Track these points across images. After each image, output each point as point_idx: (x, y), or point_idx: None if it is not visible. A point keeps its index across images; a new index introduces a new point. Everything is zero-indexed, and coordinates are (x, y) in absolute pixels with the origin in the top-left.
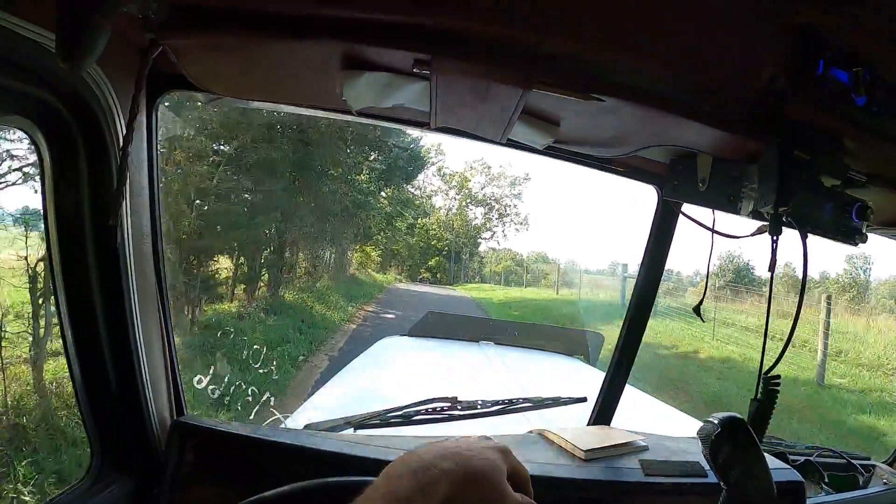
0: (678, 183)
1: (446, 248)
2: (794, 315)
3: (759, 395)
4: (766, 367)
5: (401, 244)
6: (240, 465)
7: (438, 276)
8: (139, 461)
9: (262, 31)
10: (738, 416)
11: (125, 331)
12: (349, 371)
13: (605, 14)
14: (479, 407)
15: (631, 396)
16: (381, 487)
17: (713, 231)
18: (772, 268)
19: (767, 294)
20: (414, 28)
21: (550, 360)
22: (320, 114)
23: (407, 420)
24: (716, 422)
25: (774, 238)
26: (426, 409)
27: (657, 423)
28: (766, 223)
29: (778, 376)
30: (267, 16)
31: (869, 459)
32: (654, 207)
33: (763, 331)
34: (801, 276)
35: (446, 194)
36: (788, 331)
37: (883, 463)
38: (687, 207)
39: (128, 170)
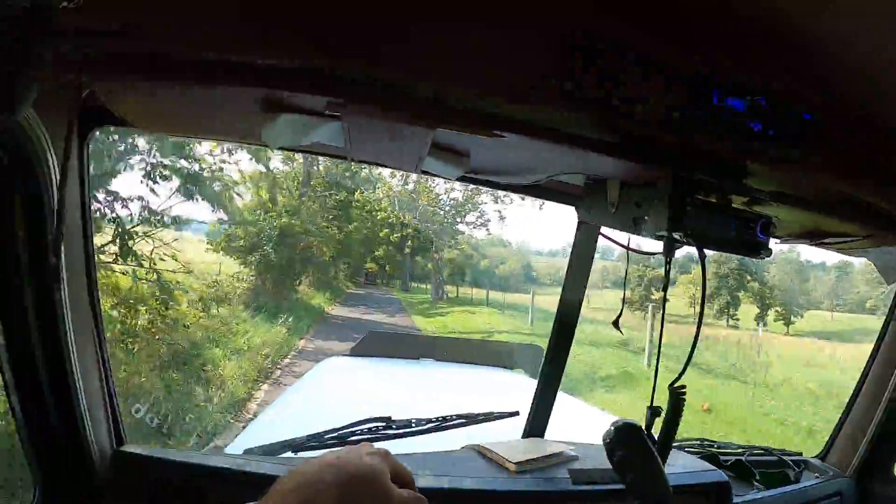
0: (591, 205)
1: (409, 244)
2: (696, 327)
3: (652, 403)
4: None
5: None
6: (180, 491)
7: (388, 268)
8: (81, 492)
9: (184, 76)
10: (635, 422)
11: (63, 364)
12: (291, 394)
13: (507, 60)
14: (413, 425)
15: (568, 405)
16: None
17: (628, 249)
18: (665, 288)
19: (661, 309)
20: (326, 74)
21: (491, 374)
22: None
23: (342, 441)
24: (612, 427)
25: (668, 259)
26: (361, 430)
27: (593, 431)
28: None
29: (683, 386)
30: (188, 62)
31: (801, 455)
32: (575, 227)
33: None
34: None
35: None
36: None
37: (814, 458)
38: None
39: (65, 210)
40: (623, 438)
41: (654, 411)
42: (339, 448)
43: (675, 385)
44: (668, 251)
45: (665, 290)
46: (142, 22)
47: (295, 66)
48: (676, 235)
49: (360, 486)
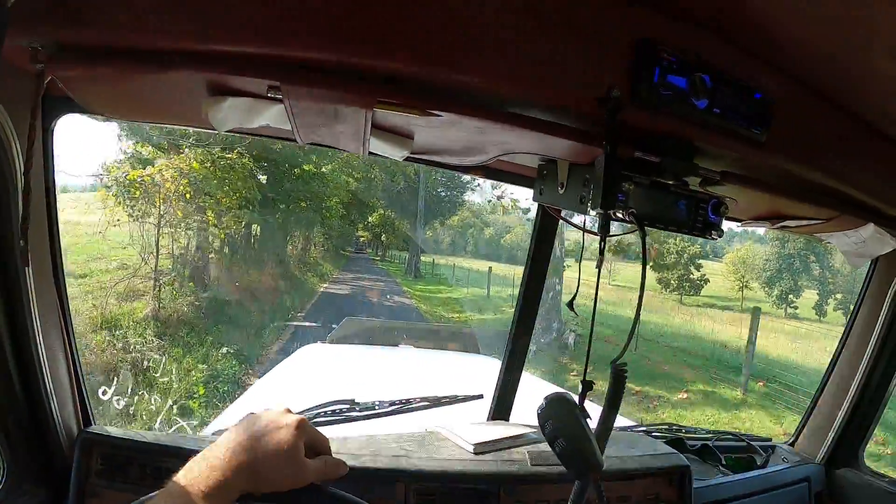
0: (544, 187)
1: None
2: (636, 308)
3: (585, 377)
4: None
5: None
6: (146, 472)
7: (383, 237)
8: (49, 472)
9: (133, 64)
10: (566, 393)
11: (28, 346)
12: (268, 380)
13: (445, 33)
14: (376, 408)
15: (538, 388)
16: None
17: (584, 230)
18: (599, 265)
19: (596, 288)
20: (264, 57)
21: (469, 359)
22: (198, 129)
23: None
24: (543, 401)
25: (603, 238)
26: (324, 412)
27: None
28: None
29: (625, 364)
30: (136, 50)
31: (770, 441)
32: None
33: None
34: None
35: None
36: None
37: (784, 444)
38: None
39: (31, 194)
40: (554, 409)
41: (586, 385)
42: (253, 416)
43: (618, 362)
44: (603, 229)
45: (599, 266)
46: (92, 11)
47: (233, 50)
48: (616, 213)
49: (272, 468)
